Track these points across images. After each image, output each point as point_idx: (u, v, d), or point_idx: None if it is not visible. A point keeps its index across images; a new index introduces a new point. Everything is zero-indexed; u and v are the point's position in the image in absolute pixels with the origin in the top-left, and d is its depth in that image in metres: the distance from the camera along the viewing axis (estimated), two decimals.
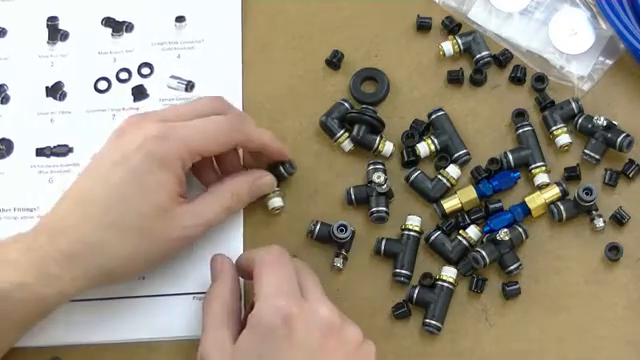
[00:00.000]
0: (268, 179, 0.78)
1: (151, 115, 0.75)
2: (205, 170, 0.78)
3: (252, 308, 0.70)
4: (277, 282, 0.67)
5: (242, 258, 0.74)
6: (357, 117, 0.80)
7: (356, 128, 0.80)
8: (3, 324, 0.69)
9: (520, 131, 0.80)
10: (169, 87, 0.85)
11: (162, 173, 0.71)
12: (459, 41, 0.83)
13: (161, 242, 0.72)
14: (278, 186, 0.80)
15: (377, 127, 0.80)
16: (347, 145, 0.81)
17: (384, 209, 0.78)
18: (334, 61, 0.84)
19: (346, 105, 0.81)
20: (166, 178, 0.71)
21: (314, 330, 0.65)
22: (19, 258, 0.69)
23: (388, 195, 0.79)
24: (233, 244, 0.79)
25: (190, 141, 0.72)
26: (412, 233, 0.78)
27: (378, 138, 0.80)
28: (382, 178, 0.78)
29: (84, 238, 0.70)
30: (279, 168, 0.79)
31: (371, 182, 0.78)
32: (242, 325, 0.69)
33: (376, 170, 0.79)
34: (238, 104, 0.83)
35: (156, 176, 0.71)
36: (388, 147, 0.80)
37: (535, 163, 0.79)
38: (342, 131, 0.81)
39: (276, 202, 0.80)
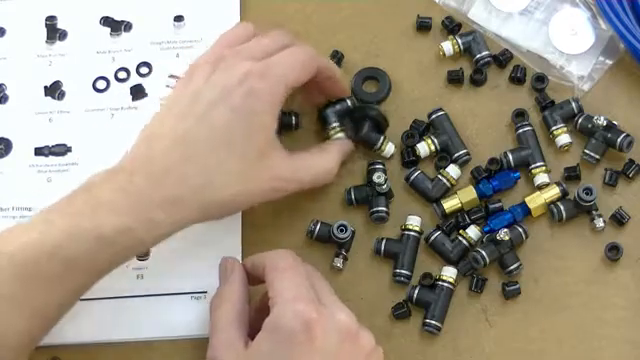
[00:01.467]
0: (351, 145, 0.80)
1: (240, 54, 0.72)
2: None
3: (257, 312, 0.70)
4: (294, 287, 0.67)
5: (250, 262, 0.73)
6: (363, 113, 0.80)
7: (363, 125, 0.80)
8: (103, 267, 0.68)
9: (520, 131, 0.80)
10: (168, 86, 0.85)
11: (266, 115, 0.70)
12: (459, 41, 0.83)
13: (256, 187, 0.71)
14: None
15: (382, 125, 0.80)
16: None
17: (384, 209, 0.78)
18: (334, 61, 0.84)
19: (348, 102, 0.81)
20: (270, 120, 0.70)
21: (332, 335, 0.65)
22: (116, 200, 0.67)
23: (388, 195, 0.79)
24: (232, 244, 0.79)
25: (285, 75, 0.71)
26: (412, 233, 0.78)
27: (382, 137, 0.80)
28: (382, 178, 0.78)
29: (189, 180, 0.68)
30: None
31: (371, 182, 0.78)
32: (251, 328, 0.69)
33: (376, 170, 0.79)
34: None
35: (260, 118, 0.70)
36: (390, 148, 0.80)
37: (535, 163, 0.79)
38: (337, 124, 0.81)
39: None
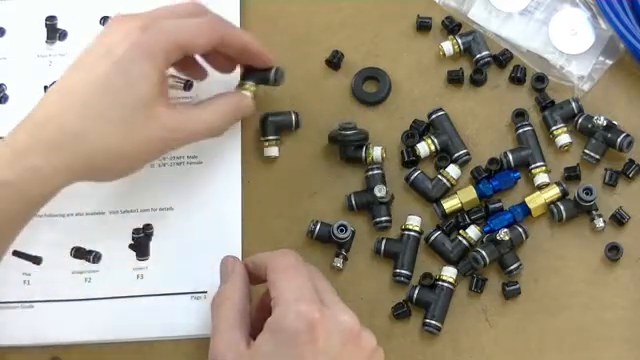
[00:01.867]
0: (250, 102, 0.79)
1: (136, 14, 0.74)
2: (190, 69, 0.79)
3: (259, 311, 0.70)
4: (297, 288, 0.66)
5: (251, 262, 0.73)
6: (340, 139, 0.80)
7: (342, 150, 0.80)
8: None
9: (520, 131, 0.80)
10: (167, 86, 0.84)
11: (146, 63, 0.70)
12: (459, 41, 0.83)
13: (142, 138, 0.71)
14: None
15: (362, 141, 0.80)
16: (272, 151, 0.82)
17: (386, 218, 0.79)
18: (334, 61, 0.84)
19: (270, 75, 0.79)
20: (150, 69, 0.70)
21: (335, 336, 0.65)
22: (1, 155, 0.68)
23: (390, 202, 0.79)
24: (232, 244, 0.79)
25: (173, 34, 0.71)
26: (412, 233, 0.78)
27: (364, 150, 0.80)
28: (383, 192, 0.78)
29: (66, 128, 0.69)
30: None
31: (371, 189, 0.78)
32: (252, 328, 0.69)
33: (375, 180, 0.79)
34: None
35: (140, 66, 0.70)
36: (376, 153, 0.80)
37: (535, 163, 0.79)
38: (250, 83, 0.80)
39: (272, 152, 0.81)
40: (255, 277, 0.72)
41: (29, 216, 0.70)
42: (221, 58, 0.79)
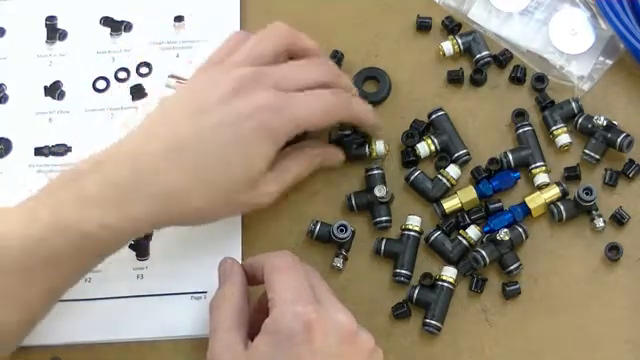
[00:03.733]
0: (339, 155, 0.80)
1: (266, 80, 0.72)
2: None
3: (256, 312, 0.70)
4: (293, 288, 0.66)
5: (249, 263, 0.73)
6: (342, 141, 0.81)
7: (344, 150, 0.81)
8: (85, 261, 0.69)
9: (520, 131, 0.80)
10: (167, 86, 0.85)
11: (268, 147, 0.71)
12: (459, 41, 0.83)
13: (241, 205, 0.73)
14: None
15: (363, 140, 0.81)
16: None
17: (387, 218, 0.79)
18: (334, 61, 0.84)
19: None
20: (270, 152, 0.71)
21: (332, 336, 0.65)
22: (101, 192, 0.67)
23: (389, 202, 0.79)
24: (232, 244, 0.79)
25: (300, 117, 0.72)
26: (412, 233, 0.78)
27: (367, 147, 0.80)
28: (383, 192, 0.78)
29: (176, 186, 0.69)
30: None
31: (371, 189, 0.78)
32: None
33: (375, 180, 0.79)
34: None
35: (262, 149, 0.71)
36: (379, 147, 0.80)
37: (535, 163, 0.79)
38: None
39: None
40: (253, 278, 0.72)
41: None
42: None
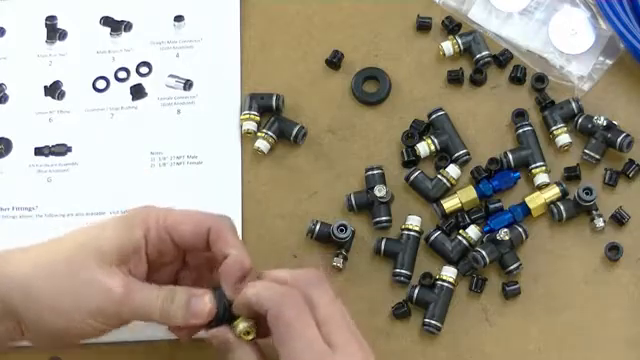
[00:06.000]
0: (209, 307, 0.66)
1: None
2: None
3: None
4: (307, 346, 0.62)
5: (245, 299, 0.65)
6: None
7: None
8: None
9: (520, 131, 0.80)
10: (167, 86, 0.85)
11: (91, 268, 0.65)
12: (459, 41, 0.83)
13: (84, 328, 0.67)
14: None
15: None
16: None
17: (386, 218, 0.79)
18: (334, 61, 0.84)
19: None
20: (94, 273, 0.65)
21: None
22: None
23: (390, 202, 0.79)
24: None
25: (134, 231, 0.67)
26: (412, 233, 0.78)
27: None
28: (383, 192, 0.78)
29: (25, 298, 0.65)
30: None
31: (371, 189, 0.78)
32: None
33: (375, 180, 0.79)
34: (236, 104, 0.84)
35: (87, 272, 0.65)
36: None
37: (535, 163, 0.79)
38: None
39: (261, 144, 0.80)
40: (250, 313, 0.66)
41: None
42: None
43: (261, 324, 0.65)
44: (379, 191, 0.78)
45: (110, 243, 0.66)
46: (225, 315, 0.66)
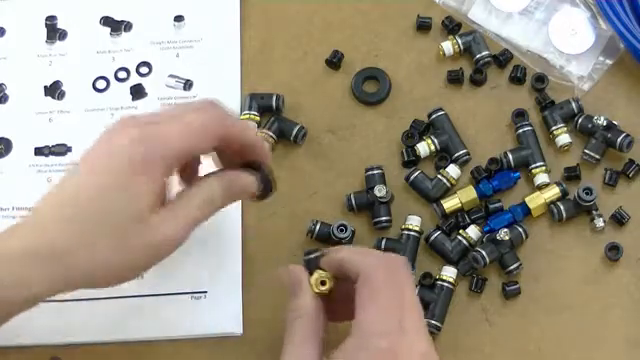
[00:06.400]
0: (250, 179, 0.71)
1: (140, 117, 0.69)
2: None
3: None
4: (384, 320, 0.64)
5: (339, 258, 0.68)
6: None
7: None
8: None
9: (520, 131, 0.80)
10: (167, 86, 0.85)
11: (142, 180, 0.66)
12: (459, 41, 0.83)
13: (140, 250, 0.66)
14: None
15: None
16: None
17: (386, 218, 0.79)
18: (334, 61, 0.84)
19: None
20: (145, 186, 0.66)
21: None
22: None
23: (390, 202, 0.79)
24: (232, 244, 0.79)
25: (170, 143, 0.67)
26: (412, 233, 0.78)
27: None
28: (383, 191, 0.78)
29: (59, 243, 0.65)
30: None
31: (371, 189, 0.78)
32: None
33: (374, 180, 0.79)
34: (237, 104, 0.84)
35: (136, 185, 0.66)
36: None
37: (535, 163, 0.79)
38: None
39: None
40: (337, 271, 0.68)
41: (7, 318, 0.66)
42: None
43: (339, 290, 0.68)
44: (379, 191, 0.78)
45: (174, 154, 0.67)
46: (268, 186, 0.71)
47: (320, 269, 0.68)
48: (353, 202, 0.79)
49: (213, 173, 0.71)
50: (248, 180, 0.71)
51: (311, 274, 0.68)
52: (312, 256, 0.69)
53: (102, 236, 0.65)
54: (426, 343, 0.64)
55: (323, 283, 0.67)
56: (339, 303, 0.69)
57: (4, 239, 0.65)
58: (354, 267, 0.66)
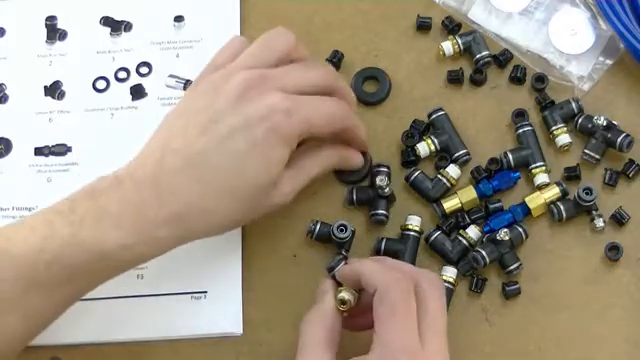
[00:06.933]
0: (357, 157, 0.80)
1: (273, 82, 0.71)
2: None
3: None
4: (403, 334, 0.64)
5: (355, 273, 0.69)
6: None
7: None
8: (101, 277, 0.69)
9: (520, 131, 0.80)
10: (167, 86, 0.85)
11: (283, 149, 0.70)
12: (459, 41, 0.83)
13: (262, 209, 0.72)
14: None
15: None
16: None
17: (383, 212, 0.78)
18: (334, 61, 0.84)
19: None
20: (285, 154, 0.71)
21: None
22: (121, 214, 0.67)
23: (390, 199, 0.79)
24: (232, 243, 0.79)
25: (311, 120, 0.71)
26: (412, 233, 0.78)
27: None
28: (384, 182, 0.78)
29: (197, 203, 0.68)
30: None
31: (374, 184, 0.78)
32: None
33: (380, 173, 0.79)
34: None
35: (277, 152, 0.70)
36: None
37: (535, 163, 0.79)
38: None
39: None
40: (354, 284, 0.70)
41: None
42: None
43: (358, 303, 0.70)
44: (380, 180, 0.78)
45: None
46: (368, 171, 0.80)
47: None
48: (354, 195, 0.79)
49: (332, 144, 0.78)
50: (359, 161, 0.79)
51: (339, 286, 0.71)
52: (335, 270, 0.73)
53: (237, 200, 0.70)
54: (441, 356, 0.65)
55: (343, 303, 0.69)
56: (358, 312, 0.70)
57: (129, 193, 0.68)
58: (371, 282, 0.67)
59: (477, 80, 0.83)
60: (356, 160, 0.79)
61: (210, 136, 0.69)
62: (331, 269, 0.75)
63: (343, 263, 0.75)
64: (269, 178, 0.70)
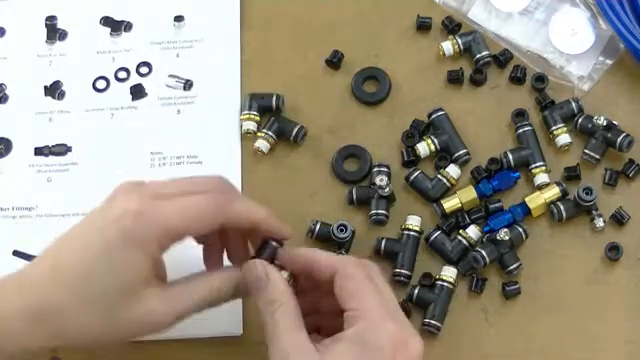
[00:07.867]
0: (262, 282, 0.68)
1: (144, 187, 0.68)
2: (210, 249, 0.74)
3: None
4: (381, 303, 0.65)
5: (307, 257, 0.68)
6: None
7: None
8: None
9: (520, 131, 0.80)
10: (167, 86, 0.85)
11: (134, 252, 0.65)
12: (459, 41, 0.83)
13: (125, 322, 0.67)
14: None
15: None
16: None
17: (383, 212, 0.78)
18: (334, 61, 0.84)
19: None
20: (138, 258, 0.65)
21: (409, 357, 0.64)
22: None
23: (390, 199, 0.79)
24: None
25: (168, 221, 0.66)
26: (412, 233, 0.78)
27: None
28: (384, 181, 0.78)
29: (51, 300, 0.66)
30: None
31: (374, 184, 0.78)
32: None
33: (380, 173, 0.79)
34: (236, 104, 0.84)
35: (127, 255, 0.65)
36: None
37: (535, 163, 0.79)
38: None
39: (261, 145, 0.80)
40: (305, 271, 0.68)
41: None
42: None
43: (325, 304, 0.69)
44: (380, 180, 0.78)
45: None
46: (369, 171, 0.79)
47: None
48: (354, 195, 0.79)
49: (226, 268, 0.72)
50: (262, 285, 0.68)
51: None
52: (266, 253, 0.69)
53: (89, 304, 0.66)
54: (419, 338, 0.65)
55: (293, 279, 0.68)
56: (326, 316, 0.69)
57: (5, 287, 0.67)
58: (328, 265, 0.67)
59: (477, 80, 0.83)
60: (260, 284, 0.68)
61: (75, 241, 0.67)
62: (262, 252, 0.69)
63: (270, 251, 0.69)
64: (117, 285, 0.65)
